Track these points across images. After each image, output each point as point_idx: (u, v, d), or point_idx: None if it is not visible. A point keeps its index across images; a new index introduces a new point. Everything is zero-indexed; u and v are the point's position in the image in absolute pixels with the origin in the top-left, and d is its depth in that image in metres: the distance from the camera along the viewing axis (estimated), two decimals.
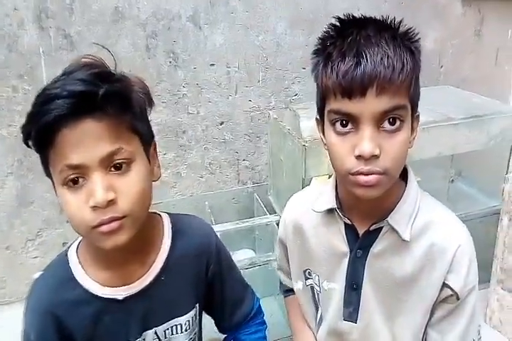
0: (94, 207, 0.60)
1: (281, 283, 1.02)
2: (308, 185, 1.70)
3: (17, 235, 1.74)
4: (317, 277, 0.83)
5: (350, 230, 0.77)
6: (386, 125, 0.63)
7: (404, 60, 0.62)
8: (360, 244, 0.75)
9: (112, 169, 0.62)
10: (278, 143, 1.61)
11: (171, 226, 0.81)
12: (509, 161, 1.58)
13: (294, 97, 1.92)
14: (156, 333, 0.80)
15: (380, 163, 0.62)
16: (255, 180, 2.00)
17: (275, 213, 1.73)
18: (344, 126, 0.64)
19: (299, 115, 1.51)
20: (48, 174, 0.66)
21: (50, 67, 1.56)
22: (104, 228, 0.62)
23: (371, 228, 0.73)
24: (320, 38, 0.69)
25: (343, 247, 0.77)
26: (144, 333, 0.78)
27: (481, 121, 1.48)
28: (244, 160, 1.95)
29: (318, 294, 0.84)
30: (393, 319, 0.76)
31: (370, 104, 0.61)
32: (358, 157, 0.62)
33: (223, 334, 0.97)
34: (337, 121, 0.65)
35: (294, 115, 1.55)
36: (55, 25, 1.55)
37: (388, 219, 0.71)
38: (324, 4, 1.81)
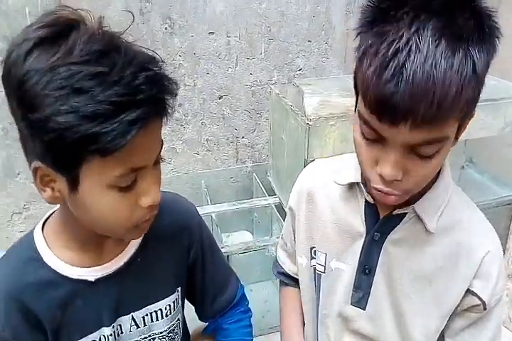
0: (151, 206, 0.61)
1: (276, 262, 0.94)
2: None
3: (2, 208, 1.66)
4: (324, 255, 0.76)
5: (370, 210, 0.70)
6: (418, 151, 0.53)
7: (459, 88, 0.48)
8: (380, 227, 0.69)
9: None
10: (279, 120, 1.51)
11: None
12: None
13: (298, 72, 1.81)
14: (133, 319, 0.74)
15: (401, 185, 0.56)
16: (255, 159, 1.91)
17: (274, 195, 1.66)
18: (371, 134, 0.55)
19: (303, 91, 1.41)
20: (69, 172, 0.56)
21: None
22: (146, 224, 0.65)
23: (394, 212, 0.66)
24: (360, 18, 0.54)
25: (360, 227, 0.71)
26: (120, 319, 0.73)
27: (498, 105, 1.39)
28: (243, 137, 1.85)
29: (320, 275, 0.78)
30: (403, 318, 0.70)
31: (401, 135, 0.51)
32: (379, 174, 0.56)
33: (203, 322, 0.92)
34: (365, 127, 0.56)
35: (298, 91, 1.45)
36: None
37: (415, 205, 0.64)
38: None
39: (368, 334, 0.75)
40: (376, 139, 0.54)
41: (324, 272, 0.77)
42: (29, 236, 0.69)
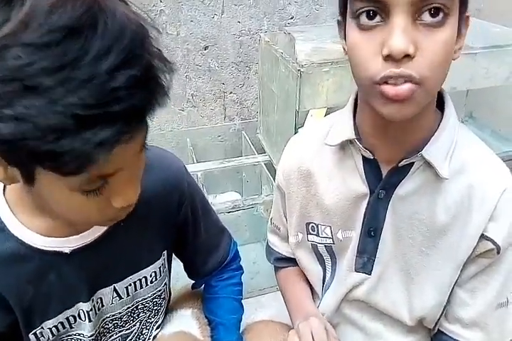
0: (125, 207, 0.53)
1: (270, 249, 0.86)
2: (304, 121, 1.52)
3: None
4: (328, 229, 0.70)
5: (370, 167, 0.63)
6: (426, 17, 0.47)
7: None
8: (385, 183, 0.63)
9: None
10: (270, 71, 1.40)
11: None
12: None
13: (289, 21, 1.68)
14: (115, 290, 0.67)
15: (414, 65, 0.47)
16: (244, 116, 1.81)
17: (264, 153, 1.57)
18: (371, 17, 0.49)
19: (294, 37, 1.30)
20: (22, 167, 0.45)
21: None
22: (122, 215, 0.58)
23: (400, 164, 0.60)
24: None
25: (362, 188, 0.64)
26: (100, 291, 0.65)
27: (503, 52, 1.29)
28: (231, 93, 1.74)
29: (330, 247, 0.72)
30: (413, 276, 0.65)
31: None
32: (387, 57, 0.47)
33: (193, 280, 0.87)
34: (362, 12, 0.49)
35: (290, 39, 1.34)
36: None
37: (423, 152, 0.57)
38: None
39: (366, 300, 0.70)
40: (375, 24, 0.48)
41: (334, 243, 0.71)
42: None
